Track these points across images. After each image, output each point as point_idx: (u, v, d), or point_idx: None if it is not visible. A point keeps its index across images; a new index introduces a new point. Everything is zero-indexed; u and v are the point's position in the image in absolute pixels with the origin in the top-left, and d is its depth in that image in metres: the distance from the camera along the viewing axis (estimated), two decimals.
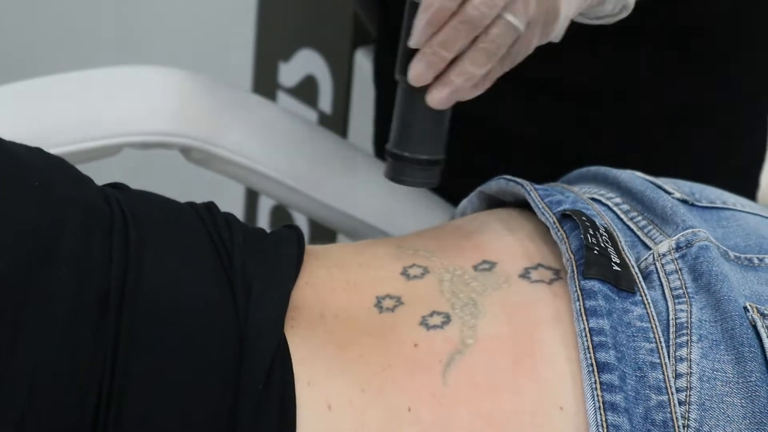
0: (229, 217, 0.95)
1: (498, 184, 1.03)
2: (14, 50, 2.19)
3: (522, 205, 1.01)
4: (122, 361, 0.82)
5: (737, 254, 0.94)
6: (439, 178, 0.94)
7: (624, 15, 0.97)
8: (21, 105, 1.17)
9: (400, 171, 0.93)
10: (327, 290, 0.93)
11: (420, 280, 0.93)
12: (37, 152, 0.92)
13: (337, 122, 1.75)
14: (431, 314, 0.90)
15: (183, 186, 1.40)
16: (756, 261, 0.94)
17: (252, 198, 1.89)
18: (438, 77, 0.89)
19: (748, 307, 0.88)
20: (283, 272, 0.91)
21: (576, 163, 1.09)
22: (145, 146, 1.19)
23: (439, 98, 0.89)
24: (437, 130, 0.93)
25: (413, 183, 0.94)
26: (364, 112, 1.78)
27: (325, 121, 1.76)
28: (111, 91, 1.20)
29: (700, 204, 0.99)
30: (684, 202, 0.99)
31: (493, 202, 1.06)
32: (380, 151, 1.43)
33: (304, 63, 1.79)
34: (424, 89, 0.90)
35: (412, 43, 0.89)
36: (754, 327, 0.87)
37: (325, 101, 1.77)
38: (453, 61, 0.89)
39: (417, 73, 0.89)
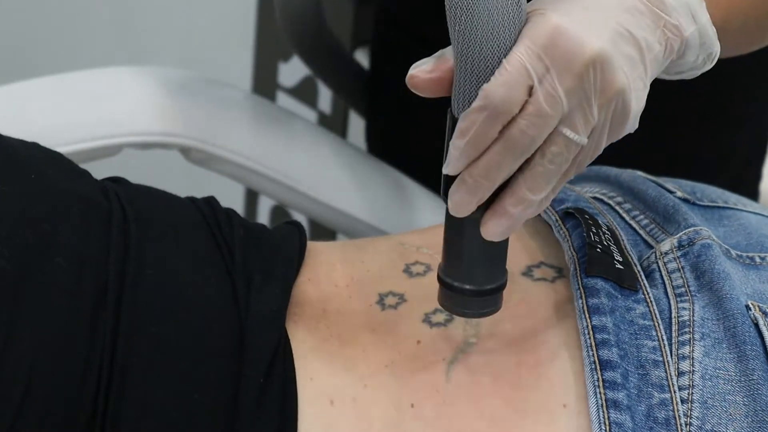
0: (229, 212, 0.95)
1: None
2: (14, 50, 2.19)
3: None
4: (121, 353, 0.82)
5: (739, 253, 0.94)
6: (501, 302, 0.83)
7: (709, 66, 0.83)
8: (21, 105, 1.17)
9: (459, 303, 0.82)
10: (329, 286, 0.93)
11: (423, 278, 0.93)
12: (34, 146, 0.92)
13: (336, 122, 1.74)
14: (434, 311, 0.90)
15: (183, 186, 1.39)
16: (758, 259, 0.94)
17: (252, 198, 1.89)
18: (491, 205, 0.77)
19: (750, 306, 0.88)
20: (285, 267, 0.91)
21: None
22: (145, 146, 1.19)
23: (494, 231, 0.78)
24: (497, 256, 0.81)
25: (475, 314, 0.83)
26: None
27: (324, 121, 1.76)
28: (111, 91, 1.20)
29: (702, 203, 0.99)
30: (686, 201, 0.99)
31: None
32: (372, 145, 1.43)
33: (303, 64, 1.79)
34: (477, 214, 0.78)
35: (447, 170, 0.76)
36: (756, 325, 0.87)
37: (325, 101, 1.77)
38: (506, 184, 0.77)
39: (456, 201, 0.77)
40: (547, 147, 0.74)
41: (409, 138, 1.36)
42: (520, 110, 0.73)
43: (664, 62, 0.79)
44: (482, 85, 0.73)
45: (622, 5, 0.76)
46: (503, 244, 0.81)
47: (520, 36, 0.73)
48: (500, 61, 0.73)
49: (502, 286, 0.82)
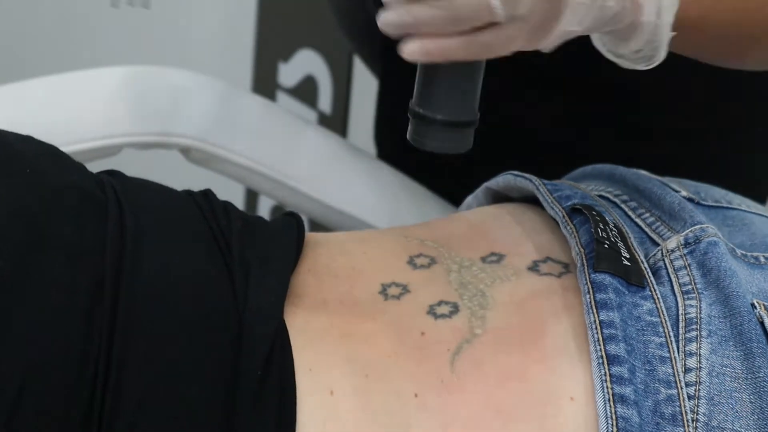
0: (227, 204, 0.94)
1: (505, 180, 1.03)
2: (14, 50, 2.19)
3: (528, 200, 1.01)
4: (118, 347, 0.82)
5: (744, 252, 0.94)
6: (470, 142, 0.83)
7: (642, 67, 0.86)
8: (21, 105, 1.17)
9: (422, 133, 0.83)
10: (330, 277, 0.92)
11: (427, 270, 0.93)
12: (29, 139, 0.92)
13: (336, 122, 1.75)
14: (439, 303, 0.90)
15: (183, 186, 1.39)
16: (762, 259, 0.94)
17: (252, 198, 1.89)
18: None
19: (756, 304, 0.88)
20: (283, 258, 0.91)
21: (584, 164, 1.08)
22: (145, 146, 1.19)
23: (409, 50, 0.80)
24: (465, 86, 0.82)
25: (438, 147, 0.82)
26: (364, 112, 1.78)
27: (324, 121, 1.76)
28: (111, 91, 1.20)
29: (706, 203, 0.99)
30: (690, 200, 0.99)
31: (499, 198, 1.06)
32: (382, 150, 1.42)
33: (303, 63, 1.79)
34: None
35: None
36: (761, 323, 0.87)
37: (325, 101, 1.78)
38: None
39: (385, 21, 0.81)
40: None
41: None
42: None
43: (604, 24, 0.82)
44: None
45: None
46: (474, 78, 0.82)
47: None
48: None
49: (471, 123, 0.83)
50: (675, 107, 1.22)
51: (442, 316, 0.89)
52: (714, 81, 1.17)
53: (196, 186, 1.20)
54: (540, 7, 0.79)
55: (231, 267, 0.88)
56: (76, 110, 1.17)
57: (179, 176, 1.49)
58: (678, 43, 0.85)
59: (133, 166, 1.39)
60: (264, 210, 1.90)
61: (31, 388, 0.79)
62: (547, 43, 0.81)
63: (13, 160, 0.87)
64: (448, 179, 1.27)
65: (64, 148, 1.10)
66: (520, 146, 1.28)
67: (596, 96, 1.22)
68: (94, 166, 1.12)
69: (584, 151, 1.17)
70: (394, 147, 1.34)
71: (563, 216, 0.93)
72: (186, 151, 1.20)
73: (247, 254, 0.89)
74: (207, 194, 0.95)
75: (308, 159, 1.25)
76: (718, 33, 0.91)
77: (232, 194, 1.83)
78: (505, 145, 1.28)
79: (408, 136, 0.84)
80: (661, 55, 0.85)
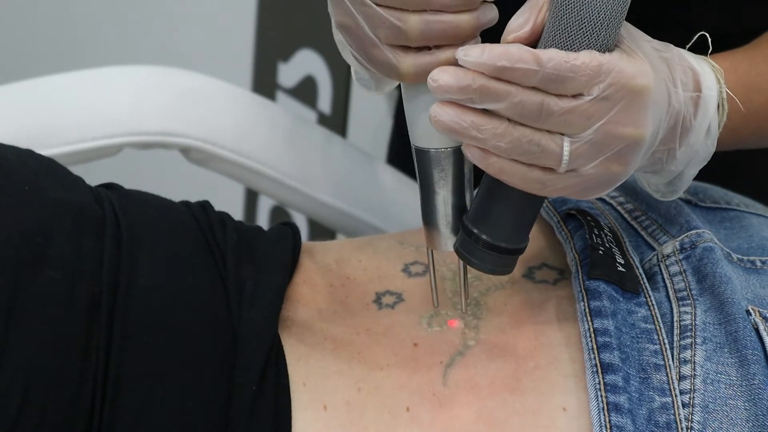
0: (223, 216, 0.95)
1: None
2: (14, 50, 2.19)
3: None
4: (115, 362, 0.82)
5: (740, 256, 0.94)
6: (514, 266, 0.84)
7: (663, 198, 0.90)
8: (21, 105, 1.17)
9: (470, 251, 0.82)
10: (325, 287, 0.93)
11: (422, 278, 0.93)
12: (28, 155, 0.92)
13: (336, 122, 1.74)
14: (432, 314, 0.90)
15: (183, 186, 1.39)
16: (758, 263, 0.94)
17: (252, 198, 1.89)
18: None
19: (751, 311, 0.88)
20: (277, 271, 0.91)
21: None
22: (145, 146, 1.19)
23: (470, 153, 0.78)
24: (525, 216, 0.82)
25: (482, 267, 0.83)
26: (364, 112, 1.78)
27: (324, 121, 1.76)
28: (111, 91, 1.19)
29: (704, 204, 0.99)
30: (688, 202, 0.98)
31: None
32: (392, 156, 1.42)
33: (303, 63, 1.79)
34: None
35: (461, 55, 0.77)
36: (756, 330, 0.87)
37: (325, 101, 1.77)
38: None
39: (437, 118, 0.77)
40: (542, 135, 0.76)
41: None
42: (560, 95, 0.75)
43: (639, 169, 0.84)
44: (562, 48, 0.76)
45: (674, 108, 0.80)
46: (533, 209, 0.82)
47: (619, 54, 0.76)
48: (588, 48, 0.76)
49: (521, 250, 0.83)
50: None
51: (436, 326, 0.89)
52: None
53: (196, 186, 1.20)
54: (600, 171, 0.78)
55: (226, 281, 0.88)
56: (77, 110, 1.17)
57: (179, 176, 1.50)
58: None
59: (133, 166, 1.39)
60: (264, 210, 1.90)
61: (31, 404, 0.79)
62: (594, 196, 0.81)
63: (11, 177, 0.87)
64: None
65: (65, 148, 1.10)
66: None
67: None
68: (94, 166, 1.12)
69: None
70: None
71: (558, 221, 0.93)
72: (186, 151, 1.20)
73: (243, 268, 0.90)
74: (204, 206, 0.95)
75: (308, 159, 1.25)
76: (754, 145, 0.94)
77: (232, 194, 1.83)
78: None
79: (454, 248, 0.83)
80: (676, 197, 0.89)
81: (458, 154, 0.82)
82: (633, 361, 0.85)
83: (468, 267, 0.85)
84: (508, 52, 0.74)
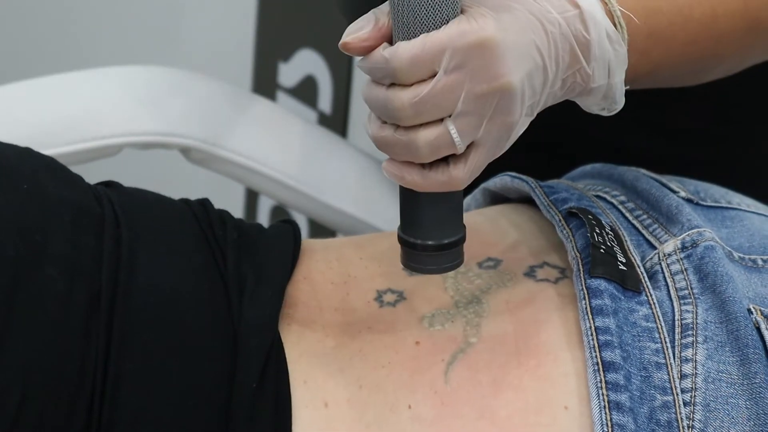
0: (223, 214, 0.95)
1: (502, 181, 1.03)
2: (14, 50, 2.19)
3: (526, 201, 1.01)
4: (114, 360, 0.82)
5: (741, 255, 0.94)
6: (463, 255, 0.84)
7: (606, 114, 0.90)
8: (21, 105, 1.17)
9: (415, 260, 0.83)
10: (326, 284, 0.93)
11: (423, 276, 0.93)
12: (27, 153, 0.92)
13: (336, 122, 1.74)
14: (434, 311, 0.90)
15: (183, 186, 1.39)
16: (760, 262, 0.94)
17: (252, 198, 1.89)
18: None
19: (752, 309, 0.88)
20: (278, 268, 0.91)
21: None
22: (145, 146, 1.19)
23: (383, 167, 0.82)
24: (446, 211, 0.83)
25: (434, 270, 0.83)
26: (364, 112, 1.77)
27: (324, 121, 1.76)
28: (111, 91, 1.20)
29: (705, 203, 0.99)
30: (689, 201, 0.98)
31: (497, 199, 1.06)
32: None
33: (303, 63, 1.78)
34: None
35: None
36: (758, 329, 0.87)
37: (325, 101, 1.77)
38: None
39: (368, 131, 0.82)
40: (425, 130, 0.77)
41: None
42: (418, 82, 0.77)
43: (559, 99, 0.84)
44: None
45: (554, 34, 0.80)
46: (455, 200, 0.83)
47: (457, 21, 0.77)
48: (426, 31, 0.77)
49: (460, 241, 0.84)
50: (684, 106, 1.22)
51: (437, 324, 0.89)
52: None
53: (196, 186, 1.20)
54: (493, 129, 0.79)
55: (226, 279, 0.88)
56: (77, 110, 1.17)
57: (179, 176, 1.49)
58: (631, 87, 0.88)
59: (133, 166, 1.39)
60: (264, 210, 1.89)
61: (30, 403, 0.79)
62: (506, 147, 0.82)
63: (11, 175, 0.87)
64: None
65: (65, 148, 1.10)
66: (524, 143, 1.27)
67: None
68: (94, 166, 1.12)
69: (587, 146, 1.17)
70: None
71: (559, 220, 0.93)
72: (186, 151, 1.20)
73: (243, 265, 0.90)
74: (204, 204, 0.95)
75: (308, 159, 1.25)
76: (671, 74, 0.95)
77: (232, 194, 1.83)
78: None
79: (402, 263, 0.84)
80: (619, 106, 0.88)
81: None
82: (634, 360, 0.85)
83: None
84: (371, 55, 0.77)
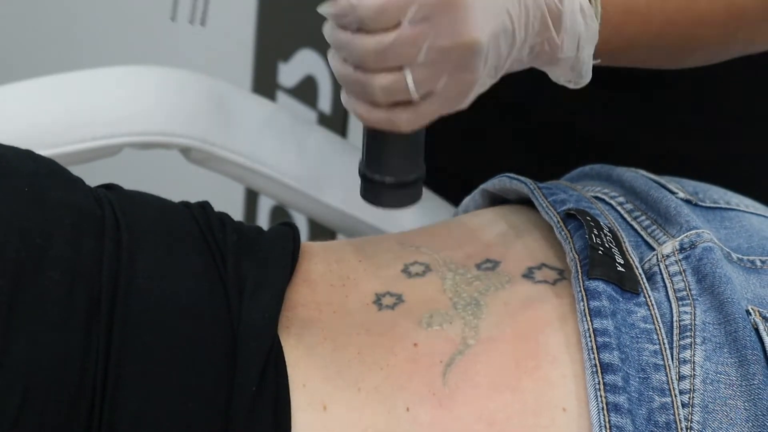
0: (223, 217, 0.95)
1: (501, 182, 1.03)
2: (14, 50, 2.19)
3: (525, 202, 1.01)
4: (114, 363, 0.82)
5: (740, 256, 0.94)
6: (420, 194, 0.87)
7: (570, 86, 0.90)
8: (21, 105, 1.17)
9: (374, 194, 0.86)
10: (325, 287, 0.93)
11: (421, 278, 0.93)
12: (27, 155, 0.92)
13: (336, 122, 1.74)
14: (432, 313, 0.90)
15: (183, 186, 1.39)
16: (758, 263, 0.94)
17: (252, 198, 1.89)
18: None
19: (750, 311, 0.88)
20: (277, 271, 0.91)
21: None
22: (145, 146, 1.19)
23: (342, 99, 0.83)
24: (408, 148, 0.85)
25: (390, 205, 0.86)
26: None
27: (324, 121, 1.76)
28: (111, 91, 1.19)
29: (704, 204, 0.99)
30: (688, 202, 0.98)
31: (496, 200, 1.06)
32: None
33: (303, 63, 1.78)
34: None
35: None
36: (756, 330, 0.87)
37: (325, 101, 1.77)
38: None
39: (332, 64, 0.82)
40: (383, 75, 0.78)
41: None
42: (383, 30, 0.77)
43: (525, 65, 0.85)
44: None
45: (527, 0, 0.81)
46: (414, 141, 0.84)
47: None
48: None
49: (419, 179, 0.85)
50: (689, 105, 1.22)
51: (436, 326, 0.89)
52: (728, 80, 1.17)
53: (196, 186, 1.20)
54: (452, 84, 0.80)
55: (226, 282, 0.88)
56: (77, 110, 1.17)
57: (179, 176, 1.49)
58: (606, 62, 0.88)
59: (133, 166, 1.39)
60: (264, 210, 1.89)
61: (31, 404, 0.79)
62: (461, 107, 0.82)
63: (11, 178, 0.87)
64: (448, 179, 1.27)
65: (65, 148, 1.10)
66: (527, 144, 1.28)
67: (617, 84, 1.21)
68: (94, 166, 1.12)
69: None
70: None
71: (558, 221, 0.93)
72: (186, 151, 1.20)
73: (243, 268, 0.90)
74: (204, 206, 0.95)
75: (308, 159, 1.25)
76: (648, 53, 0.95)
77: (232, 194, 1.83)
78: (512, 141, 1.27)
79: (361, 195, 0.86)
80: (585, 80, 0.88)
81: None
82: (632, 361, 0.85)
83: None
84: (338, 1, 0.77)
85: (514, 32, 0.81)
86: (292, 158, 1.23)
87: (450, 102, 0.81)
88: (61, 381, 0.81)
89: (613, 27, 0.88)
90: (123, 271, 0.85)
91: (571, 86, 0.90)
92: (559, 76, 0.89)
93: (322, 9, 0.78)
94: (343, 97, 0.82)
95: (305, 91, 1.79)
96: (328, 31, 0.79)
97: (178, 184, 1.44)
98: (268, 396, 0.84)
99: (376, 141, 0.84)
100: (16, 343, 0.80)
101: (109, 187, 0.94)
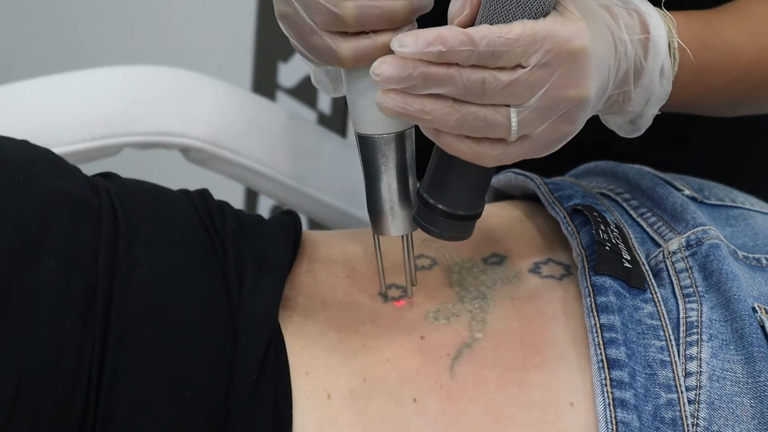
0: (223, 205, 0.94)
1: (506, 178, 1.03)
2: (14, 50, 2.18)
3: (530, 198, 1.01)
4: (111, 352, 0.82)
5: (745, 254, 0.94)
6: (472, 232, 0.86)
7: (626, 136, 0.92)
8: (21, 105, 1.17)
9: (428, 219, 0.84)
10: (329, 277, 0.92)
11: (428, 271, 0.93)
12: (23, 144, 0.92)
13: (336, 122, 1.74)
14: (439, 306, 0.90)
15: (183, 186, 1.39)
16: (764, 261, 0.94)
17: (252, 198, 1.89)
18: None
19: (757, 308, 0.88)
20: (278, 260, 0.91)
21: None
22: (145, 146, 1.18)
23: (383, 100, 0.78)
24: (478, 184, 0.84)
25: (440, 235, 0.85)
26: None
27: (324, 121, 1.76)
28: (111, 91, 1.19)
29: (709, 202, 0.99)
30: (693, 199, 0.98)
31: (501, 196, 1.06)
32: None
33: (303, 63, 1.78)
34: None
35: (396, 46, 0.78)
36: (762, 327, 0.87)
37: (325, 101, 1.77)
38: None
39: (383, 105, 0.78)
40: (487, 110, 0.77)
41: None
42: (500, 69, 0.76)
43: (599, 113, 0.86)
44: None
45: (621, 54, 0.82)
46: (487, 177, 0.83)
47: (553, 18, 0.77)
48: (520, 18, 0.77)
49: (476, 216, 0.85)
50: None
51: (443, 319, 0.89)
52: None
53: (196, 186, 1.19)
54: (550, 132, 0.80)
55: (226, 270, 0.88)
56: (77, 110, 1.17)
57: (179, 176, 1.49)
58: (664, 110, 0.89)
59: (133, 166, 1.39)
60: (264, 210, 1.89)
61: (26, 393, 0.79)
62: (550, 152, 0.82)
63: (7, 168, 0.87)
64: None
65: (65, 148, 1.10)
66: None
67: None
68: (94, 166, 1.12)
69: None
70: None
71: (564, 216, 0.93)
72: (186, 151, 1.20)
73: (243, 256, 0.89)
74: (203, 194, 0.94)
75: (308, 159, 1.25)
76: (705, 108, 0.96)
77: (232, 194, 1.82)
78: None
79: (413, 217, 0.85)
80: (638, 134, 0.90)
81: (400, 139, 0.84)
82: (639, 357, 0.84)
83: (411, 246, 0.89)
84: (441, 36, 0.75)
85: (608, 86, 0.82)
86: (291, 158, 1.23)
87: (541, 148, 0.81)
88: (57, 370, 0.80)
89: (682, 84, 0.89)
90: (120, 259, 0.85)
91: (621, 134, 0.91)
92: (614, 123, 0.90)
93: (404, 46, 0.75)
94: (433, 133, 0.80)
95: (305, 91, 1.79)
96: (419, 68, 0.75)
97: (178, 184, 1.44)
98: (269, 384, 0.84)
99: (447, 169, 0.83)
100: (11, 334, 0.79)
101: (107, 176, 0.94)
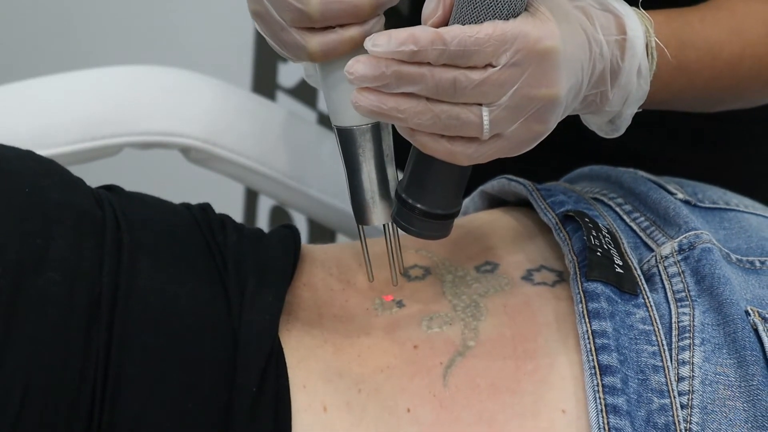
0: (224, 218, 0.95)
1: (499, 184, 1.03)
2: (14, 50, 2.18)
3: (524, 204, 1.01)
4: (115, 363, 0.82)
5: (739, 257, 0.94)
6: (450, 230, 0.87)
7: (607, 136, 0.92)
8: (21, 105, 1.17)
9: (405, 218, 0.85)
10: (325, 290, 0.93)
11: (421, 281, 0.93)
12: (28, 156, 0.92)
13: None
14: (432, 316, 0.90)
15: (183, 186, 1.39)
16: (758, 264, 0.94)
17: (252, 198, 1.89)
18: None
19: (750, 311, 0.88)
20: (278, 274, 0.91)
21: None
22: (145, 146, 1.19)
23: (358, 99, 0.79)
24: (454, 183, 0.85)
25: (418, 234, 0.86)
26: None
27: (324, 121, 1.76)
28: (111, 91, 1.19)
29: (703, 205, 0.99)
30: (686, 203, 0.98)
31: (495, 202, 1.06)
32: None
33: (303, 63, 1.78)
34: None
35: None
36: (756, 331, 0.87)
37: (325, 101, 1.77)
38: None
39: (357, 103, 0.79)
40: (460, 109, 0.78)
41: None
42: (469, 68, 0.77)
43: (575, 113, 0.88)
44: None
45: (596, 54, 0.83)
46: (463, 177, 0.84)
47: (523, 19, 0.77)
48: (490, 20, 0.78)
49: (454, 215, 0.85)
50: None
51: (436, 328, 0.89)
52: None
53: (196, 186, 1.20)
54: (522, 131, 0.80)
55: (227, 283, 0.89)
56: (77, 110, 1.17)
57: (179, 176, 1.49)
58: (645, 107, 0.89)
59: (133, 166, 1.39)
60: (264, 210, 1.89)
61: (31, 405, 0.80)
62: (524, 151, 0.83)
63: (12, 180, 0.87)
64: None
65: (65, 148, 1.10)
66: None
67: None
68: (95, 166, 1.12)
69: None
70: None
71: (556, 223, 0.93)
72: (186, 151, 1.20)
73: (244, 270, 0.90)
74: (205, 209, 0.95)
75: (308, 159, 1.25)
76: (686, 104, 0.97)
77: (232, 194, 1.83)
78: None
79: (391, 217, 0.87)
80: (618, 134, 0.90)
81: (376, 130, 0.86)
82: (631, 363, 0.85)
83: (397, 239, 0.90)
84: (414, 36, 0.76)
85: (581, 85, 0.82)
86: (291, 158, 1.23)
87: (514, 147, 0.81)
88: (61, 381, 0.81)
89: (661, 83, 0.89)
90: (124, 272, 0.86)
91: (601, 134, 0.91)
92: (594, 123, 0.90)
93: (377, 46, 0.76)
94: (405, 132, 0.81)
95: (305, 91, 1.79)
96: (392, 67, 0.77)
97: (178, 184, 1.45)
98: (269, 397, 0.84)
99: (424, 168, 0.84)
100: (16, 345, 0.80)
101: (110, 189, 0.94)
